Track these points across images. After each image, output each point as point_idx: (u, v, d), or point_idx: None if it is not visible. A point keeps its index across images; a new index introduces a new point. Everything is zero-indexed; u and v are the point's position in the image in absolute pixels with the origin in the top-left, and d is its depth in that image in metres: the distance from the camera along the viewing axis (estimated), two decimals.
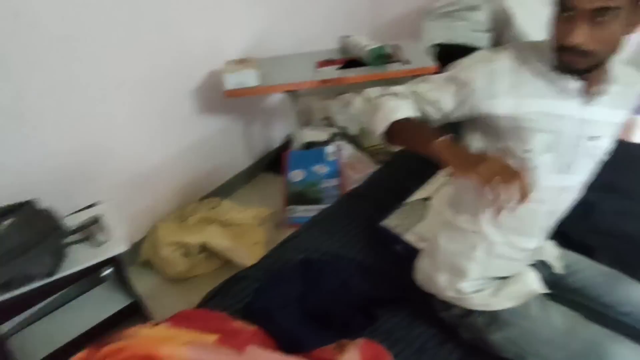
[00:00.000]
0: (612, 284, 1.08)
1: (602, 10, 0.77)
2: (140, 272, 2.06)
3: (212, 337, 0.91)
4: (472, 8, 2.67)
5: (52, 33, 1.56)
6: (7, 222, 1.37)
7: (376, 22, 3.30)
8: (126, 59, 1.84)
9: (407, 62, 2.10)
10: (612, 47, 0.84)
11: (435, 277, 1.11)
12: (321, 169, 2.21)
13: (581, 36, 0.80)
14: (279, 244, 1.40)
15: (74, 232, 1.56)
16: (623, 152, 1.65)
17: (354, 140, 2.68)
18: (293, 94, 2.19)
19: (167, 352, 0.84)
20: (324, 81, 2.01)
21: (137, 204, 2.08)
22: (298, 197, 2.26)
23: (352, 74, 2.07)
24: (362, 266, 1.30)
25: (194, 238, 2.00)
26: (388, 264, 1.32)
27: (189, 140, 2.26)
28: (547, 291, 1.06)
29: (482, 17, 2.69)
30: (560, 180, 0.99)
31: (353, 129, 2.82)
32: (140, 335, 0.89)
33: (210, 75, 2.22)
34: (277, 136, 2.85)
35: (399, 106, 0.96)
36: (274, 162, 2.71)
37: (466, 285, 1.06)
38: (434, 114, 0.98)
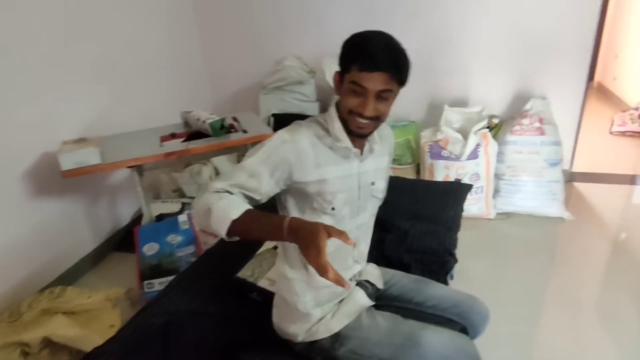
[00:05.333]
0: (421, 287, 1.36)
1: (385, 92, 1.06)
2: None
3: None
4: (299, 82, 3.09)
5: None
6: None
7: (217, 96, 3.54)
8: None
9: (245, 131, 2.32)
10: (386, 117, 1.14)
11: (286, 327, 1.25)
12: (175, 238, 2.22)
13: (372, 110, 1.06)
14: (137, 312, 1.38)
15: None
16: (424, 188, 2.09)
17: None
18: (138, 169, 2.21)
19: None
20: (168, 154, 2.09)
21: None
22: (154, 270, 2.21)
23: (196, 145, 2.20)
24: (222, 318, 1.36)
25: (32, 334, 1.79)
26: (247, 311, 1.40)
27: (23, 229, 2.08)
28: (373, 303, 1.29)
29: (308, 89, 3.13)
30: (357, 220, 1.25)
31: None
32: None
33: (44, 157, 2.12)
34: (126, 213, 2.77)
35: (230, 204, 0.97)
36: (124, 240, 2.61)
37: (311, 325, 1.22)
38: (258, 198, 1.08)
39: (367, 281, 1.33)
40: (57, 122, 2.19)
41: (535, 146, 2.65)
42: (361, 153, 1.19)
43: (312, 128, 1.16)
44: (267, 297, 1.39)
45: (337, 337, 1.21)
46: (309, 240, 0.88)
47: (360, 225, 1.26)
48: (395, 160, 2.90)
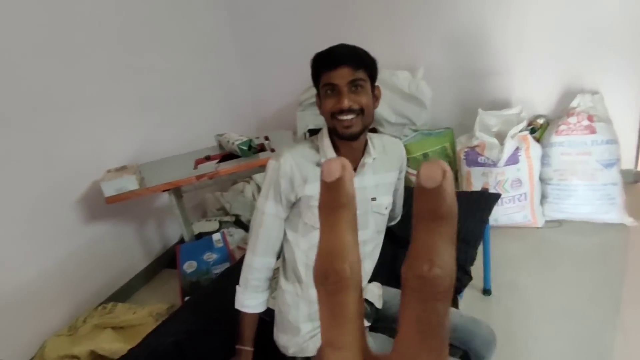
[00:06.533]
0: None
1: (354, 82, 1.09)
2: None
3: None
4: None
5: None
6: None
7: (258, 117, 3.68)
8: (6, 176, 1.93)
9: (273, 150, 2.38)
10: (369, 110, 1.13)
11: (279, 338, 1.29)
12: (210, 256, 2.34)
13: (348, 101, 1.08)
14: (150, 332, 1.48)
15: None
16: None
17: (245, 225, 2.86)
18: (176, 191, 2.36)
19: None
20: (199, 176, 2.21)
21: (21, 323, 2.04)
22: (193, 287, 2.33)
23: (225, 166, 2.30)
24: (229, 336, 1.41)
25: (82, 348, 1.98)
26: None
27: (79, 248, 2.31)
28: (368, 324, 1.26)
29: None
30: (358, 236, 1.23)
31: (245, 215, 3.02)
32: None
33: (94, 185, 2.34)
34: (174, 232, 2.96)
35: (244, 301, 1.25)
36: (173, 258, 2.79)
37: (301, 339, 1.23)
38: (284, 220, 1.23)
39: (366, 300, 1.31)
40: (104, 152, 2.42)
41: (585, 146, 2.42)
42: (355, 169, 1.18)
43: (298, 149, 1.20)
44: (273, 317, 1.42)
45: None
46: None
47: (361, 242, 1.25)
48: None
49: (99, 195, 2.31)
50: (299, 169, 1.16)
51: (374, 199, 1.23)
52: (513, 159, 2.45)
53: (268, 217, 1.20)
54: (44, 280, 2.13)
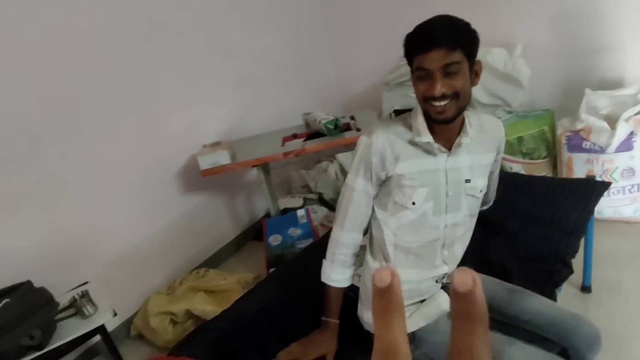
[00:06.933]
0: (514, 298, 1.23)
1: (450, 66, 1.02)
2: (133, 345, 2.21)
3: None
4: None
5: (43, 131, 1.88)
6: (2, 302, 1.57)
7: (345, 96, 3.67)
8: (115, 151, 2.15)
9: (359, 129, 2.38)
10: (466, 93, 1.07)
11: (364, 315, 1.30)
12: (295, 231, 2.41)
13: (440, 88, 1.03)
14: (238, 298, 1.57)
15: (64, 308, 1.75)
16: (544, 185, 1.86)
17: (328, 203, 2.91)
18: (264, 167, 2.45)
19: None
20: (286, 153, 2.28)
21: (128, 281, 2.28)
22: (278, 259, 2.43)
23: (312, 144, 2.34)
24: (313, 309, 1.46)
25: (179, 306, 2.17)
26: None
27: (177, 218, 2.51)
28: None
29: None
30: (448, 219, 1.19)
31: (329, 194, 3.06)
32: None
33: (190, 159, 2.52)
34: (261, 207, 3.10)
35: (331, 275, 1.28)
36: (259, 231, 2.92)
37: None
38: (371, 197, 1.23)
39: None
40: (200, 128, 2.58)
41: None
42: (449, 148, 1.14)
43: (391, 126, 1.18)
44: (357, 293, 1.44)
45: (412, 338, 1.19)
46: (317, 344, 1.29)
47: (452, 225, 1.21)
48: (526, 155, 2.61)
49: (195, 169, 2.48)
50: (391, 146, 1.15)
51: (468, 180, 1.18)
52: (626, 145, 2.20)
53: (357, 193, 1.21)
54: (148, 245, 2.36)
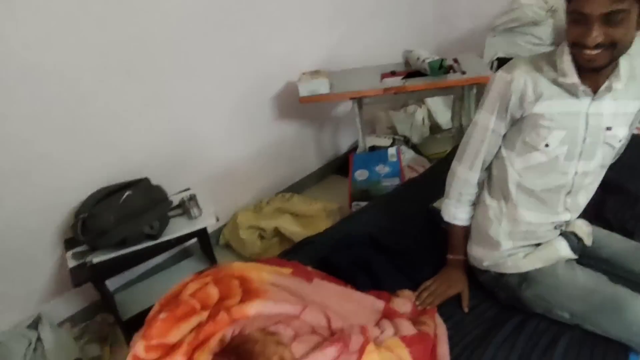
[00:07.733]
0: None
1: (611, 14, 0.92)
2: (222, 252, 2.39)
3: (287, 270, 1.16)
4: (535, 23, 2.79)
5: (160, 50, 1.97)
6: (127, 192, 1.74)
7: (441, 38, 3.50)
8: (222, 73, 2.22)
9: (463, 72, 2.28)
10: (626, 43, 0.98)
11: (474, 250, 1.31)
12: (383, 169, 2.42)
13: (595, 38, 0.94)
14: (342, 219, 1.64)
15: (174, 207, 1.91)
16: None
17: (414, 146, 2.87)
18: (359, 101, 2.44)
19: (254, 275, 1.11)
20: (386, 89, 2.25)
21: (222, 193, 2.41)
22: (362, 194, 2.47)
23: (413, 83, 2.28)
24: (416, 239, 1.49)
25: (269, 223, 2.30)
26: (437, 238, 1.49)
27: (269, 142, 2.60)
28: (576, 257, 1.20)
29: (544, 31, 2.80)
30: (580, 166, 1.14)
31: (414, 138, 3.02)
32: (233, 265, 1.16)
33: (287, 85, 2.55)
34: (345, 143, 3.12)
35: (457, 214, 1.32)
36: (341, 165, 2.97)
37: (498, 255, 1.23)
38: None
39: (574, 234, 1.24)
40: (298, 55, 2.58)
41: None
42: (595, 91, 1.08)
43: (533, 62, 1.12)
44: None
45: (525, 278, 1.20)
46: (454, 281, 1.31)
47: (582, 173, 1.16)
48: None
49: (290, 96, 2.51)
50: (533, 84, 1.09)
51: (609, 128, 1.11)
52: None
53: (490, 132, 1.18)
54: (242, 163, 2.48)
